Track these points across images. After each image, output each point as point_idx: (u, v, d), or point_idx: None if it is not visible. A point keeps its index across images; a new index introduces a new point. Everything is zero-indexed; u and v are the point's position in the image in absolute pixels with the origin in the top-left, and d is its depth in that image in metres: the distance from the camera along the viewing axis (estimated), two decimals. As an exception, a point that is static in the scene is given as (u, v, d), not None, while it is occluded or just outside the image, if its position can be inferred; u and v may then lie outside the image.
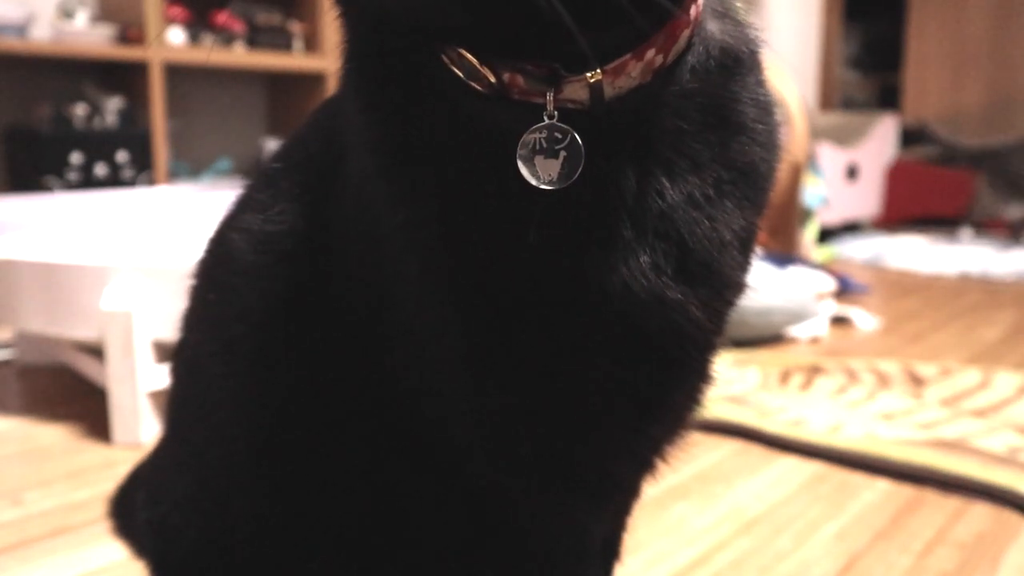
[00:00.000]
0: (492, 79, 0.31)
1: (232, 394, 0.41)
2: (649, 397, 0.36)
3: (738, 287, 0.37)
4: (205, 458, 0.43)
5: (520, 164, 0.32)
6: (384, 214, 0.35)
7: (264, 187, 0.42)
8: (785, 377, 1.20)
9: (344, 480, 0.39)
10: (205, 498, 0.43)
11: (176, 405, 0.47)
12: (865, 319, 1.57)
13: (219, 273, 0.43)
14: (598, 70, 0.31)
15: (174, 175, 2.38)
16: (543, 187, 0.32)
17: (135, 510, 0.56)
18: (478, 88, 0.32)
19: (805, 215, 1.98)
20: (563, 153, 0.32)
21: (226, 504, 0.42)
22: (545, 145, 0.32)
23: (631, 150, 0.33)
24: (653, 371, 0.35)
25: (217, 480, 0.42)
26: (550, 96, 0.31)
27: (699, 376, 0.38)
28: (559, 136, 0.32)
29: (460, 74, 0.32)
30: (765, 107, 0.37)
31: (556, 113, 0.32)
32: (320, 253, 0.39)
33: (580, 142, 0.32)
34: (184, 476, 0.45)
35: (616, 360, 0.34)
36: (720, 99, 0.35)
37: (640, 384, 0.35)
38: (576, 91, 0.32)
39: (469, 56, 0.31)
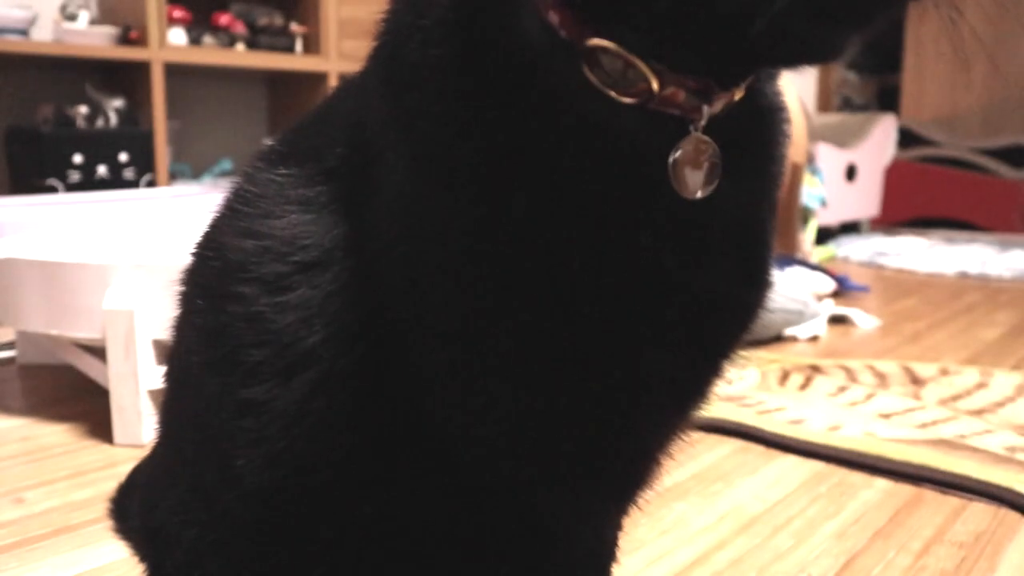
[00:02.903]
0: (656, 89, 0.31)
1: (236, 406, 0.39)
2: (694, 396, 0.38)
3: (771, 287, 0.39)
4: (198, 469, 0.42)
5: (673, 175, 0.32)
6: (452, 219, 0.33)
7: (271, 195, 0.40)
8: (784, 377, 1.20)
9: (353, 492, 0.38)
10: (199, 509, 0.42)
11: (169, 413, 0.46)
12: (864, 319, 1.58)
13: (212, 280, 0.41)
14: (742, 86, 0.33)
15: (175, 176, 2.38)
16: (687, 197, 0.33)
17: (134, 511, 0.56)
18: (613, 96, 0.31)
19: (804, 215, 1.98)
20: (707, 164, 0.33)
21: (220, 516, 0.41)
22: (692, 156, 0.32)
23: (729, 160, 0.34)
24: (708, 372, 0.37)
25: (211, 492, 0.41)
26: (707, 110, 0.32)
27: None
28: (703, 148, 0.33)
29: (593, 79, 0.31)
30: (789, 114, 0.39)
31: (702, 126, 0.33)
32: (354, 265, 0.37)
33: (720, 153, 0.33)
34: (177, 486, 0.44)
35: (686, 364, 0.36)
36: (771, 108, 0.37)
37: (692, 383, 0.37)
38: (716, 106, 0.33)
39: (640, 63, 0.31)
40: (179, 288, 0.44)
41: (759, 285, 0.37)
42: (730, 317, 0.36)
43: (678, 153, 0.32)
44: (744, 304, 0.37)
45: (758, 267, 0.37)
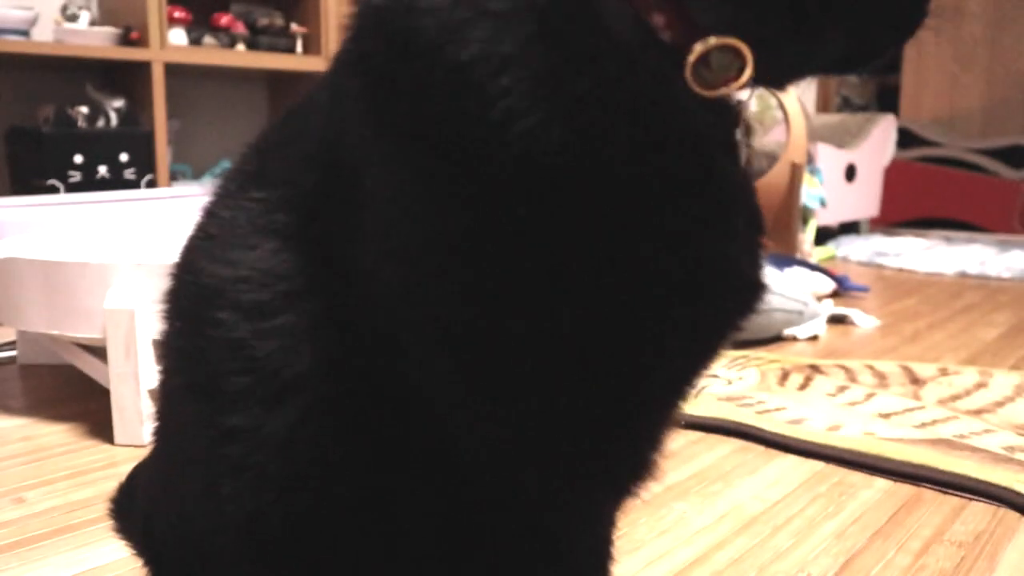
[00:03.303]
0: (746, 79, 0.32)
1: (219, 433, 0.38)
2: (694, 384, 0.38)
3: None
4: (185, 489, 0.41)
5: (739, 154, 0.35)
6: (490, 219, 0.32)
7: (243, 223, 0.39)
8: (784, 377, 1.20)
9: (345, 511, 0.38)
10: (188, 527, 0.42)
11: (160, 426, 0.46)
12: (864, 319, 1.58)
13: (190, 303, 0.40)
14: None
15: (176, 176, 2.38)
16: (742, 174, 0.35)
17: (135, 513, 0.57)
18: (696, 91, 0.32)
19: (804, 216, 1.98)
20: (743, 143, 0.35)
21: (208, 536, 0.41)
22: (739, 138, 0.35)
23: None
24: (710, 359, 0.38)
25: (198, 513, 0.41)
26: (751, 93, 0.34)
27: None
28: (745, 128, 0.35)
29: (688, 77, 0.32)
30: None
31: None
32: (345, 287, 0.36)
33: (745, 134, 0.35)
34: (170, 500, 0.44)
35: (698, 350, 0.36)
36: None
37: (696, 374, 0.38)
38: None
39: (751, 56, 0.32)
40: (161, 306, 0.44)
41: (762, 266, 0.39)
42: (744, 299, 0.37)
43: (741, 131, 0.35)
44: (756, 285, 0.37)
45: (759, 248, 0.38)
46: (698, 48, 0.32)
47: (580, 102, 0.31)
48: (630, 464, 0.39)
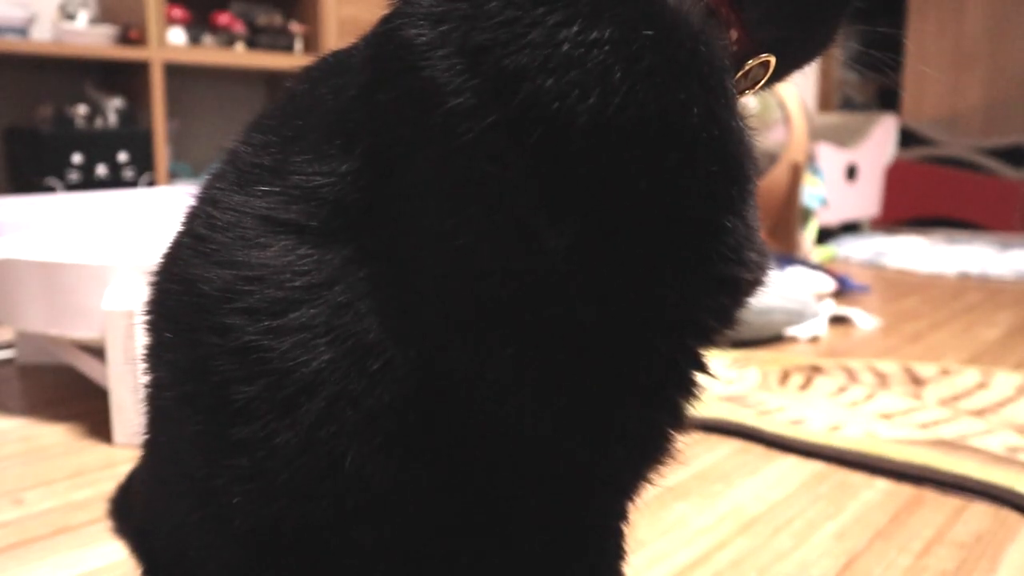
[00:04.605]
0: (761, 84, 0.40)
1: (225, 448, 0.37)
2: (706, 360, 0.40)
3: None
4: (183, 506, 0.41)
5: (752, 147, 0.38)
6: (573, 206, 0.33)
7: (247, 222, 0.38)
8: (785, 377, 1.20)
9: (363, 515, 0.37)
10: (187, 539, 0.41)
11: (151, 440, 0.46)
12: (865, 319, 1.57)
13: (182, 313, 0.38)
14: None
15: (175, 176, 2.38)
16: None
17: (133, 514, 0.56)
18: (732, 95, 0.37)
19: (805, 215, 1.98)
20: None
21: (208, 548, 0.40)
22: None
23: None
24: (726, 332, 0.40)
25: (198, 530, 0.40)
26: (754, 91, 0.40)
27: None
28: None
29: (736, 84, 0.38)
30: None
31: None
32: (375, 272, 0.35)
33: None
34: (166, 512, 0.44)
35: (719, 326, 0.38)
36: None
37: (710, 347, 0.40)
38: None
39: (772, 66, 0.39)
40: (144, 317, 0.43)
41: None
42: (758, 275, 0.39)
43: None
44: (759, 281, 0.39)
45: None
46: (751, 63, 0.38)
47: (665, 95, 0.33)
48: (657, 445, 0.39)
